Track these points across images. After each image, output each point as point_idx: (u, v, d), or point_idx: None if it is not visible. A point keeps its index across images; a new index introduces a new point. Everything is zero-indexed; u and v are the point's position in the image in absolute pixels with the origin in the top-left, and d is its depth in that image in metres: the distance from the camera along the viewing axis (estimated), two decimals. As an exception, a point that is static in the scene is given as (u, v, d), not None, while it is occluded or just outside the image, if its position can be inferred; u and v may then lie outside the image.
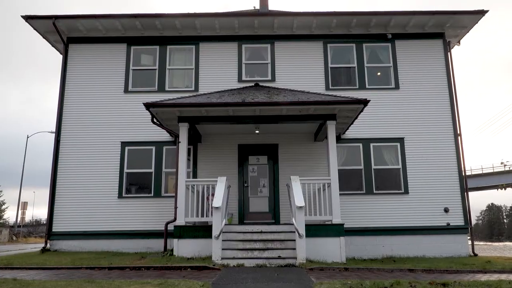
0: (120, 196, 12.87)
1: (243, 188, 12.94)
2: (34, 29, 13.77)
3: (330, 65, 13.90)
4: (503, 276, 7.72)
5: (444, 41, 14.06)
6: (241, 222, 12.47)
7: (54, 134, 13.56)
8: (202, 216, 10.46)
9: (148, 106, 10.60)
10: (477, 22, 13.73)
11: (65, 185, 12.93)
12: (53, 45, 14.71)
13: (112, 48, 14.09)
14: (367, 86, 13.71)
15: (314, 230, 9.80)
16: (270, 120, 11.22)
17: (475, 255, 12.54)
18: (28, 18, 13.36)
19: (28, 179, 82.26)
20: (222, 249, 9.10)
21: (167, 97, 12.36)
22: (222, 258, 8.87)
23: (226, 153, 13.14)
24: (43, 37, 14.21)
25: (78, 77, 13.79)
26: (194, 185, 10.83)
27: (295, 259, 8.82)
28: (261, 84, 13.56)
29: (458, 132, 13.27)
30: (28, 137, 36.86)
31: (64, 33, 13.92)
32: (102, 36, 14.08)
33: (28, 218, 54.26)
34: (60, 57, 14.34)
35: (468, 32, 14.16)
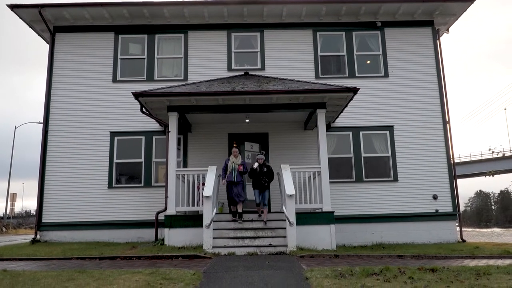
0: (110, 186, 12.81)
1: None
2: (20, 18, 13.53)
3: (319, 54, 13.87)
4: (491, 262, 7.84)
5: (433, 29, 14.08)
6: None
7: (42, 125, 13.41)
8: (193, 205, 10.47)
9: (137, 95, 10.52)
10: (466, 10, 13.76)
11: (54, 176, 12.84)
12: (39, 34, 14.45)
13: (100, 37, 13.90)
14: (356, 75, 13.71)
15: (305, 218, 9.86)
16: (260, 109, 11.20)
17: (464, 241, 12.72)
18: (13, 7, 13.11)
19: (16, 171, 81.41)
20: (213, 237, 9.13)
21: (156, 86, 12.23)
22: (213, 247, 8.90)
23: (216, 142, 13.10)
24: (29, 26, 13.97)
25: (65, 67, 13.61)
26: (184, 174, 10.82)
27: (286, 247, 8.88)
28: (250, 73, 13.49)
29: (447, 120, 13.37)
30: (16, 128, 36.44)
31: (50, 22, 13.69)
32: (89, 25, 13.87)
33: (17, 209, 53.96)
34: (45, 46, 14.14)
35: (457, 19, 14.20)
